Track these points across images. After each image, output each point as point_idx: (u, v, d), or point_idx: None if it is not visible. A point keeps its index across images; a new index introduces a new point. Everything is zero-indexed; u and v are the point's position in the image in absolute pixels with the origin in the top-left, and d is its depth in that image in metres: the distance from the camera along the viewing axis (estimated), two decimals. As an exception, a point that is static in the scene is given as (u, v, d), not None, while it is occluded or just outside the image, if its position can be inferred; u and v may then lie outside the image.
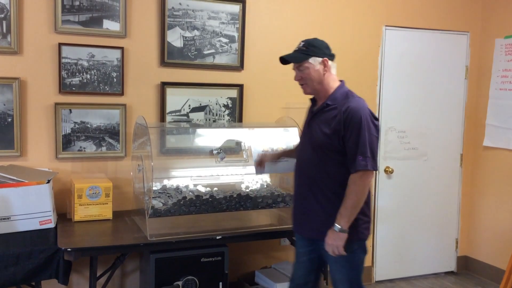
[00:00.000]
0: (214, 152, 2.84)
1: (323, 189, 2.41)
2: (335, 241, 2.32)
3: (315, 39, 2.50)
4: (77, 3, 3.08)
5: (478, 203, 4.44)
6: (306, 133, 2.53)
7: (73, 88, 3.13)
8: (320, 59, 2.43)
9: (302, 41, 2.50)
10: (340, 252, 2.32)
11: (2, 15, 2.94)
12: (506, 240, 4.15)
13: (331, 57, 2.48)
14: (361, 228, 2.40)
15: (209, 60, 3.45)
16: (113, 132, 3.24)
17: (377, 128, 2.37)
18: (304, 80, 2.48)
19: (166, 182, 3.07)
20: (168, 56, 3.33)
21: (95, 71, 3.16)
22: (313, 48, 2.44)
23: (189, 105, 3.42)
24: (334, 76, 2.49)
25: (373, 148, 2.30)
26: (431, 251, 4.41)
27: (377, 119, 2.41)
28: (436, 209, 4.37)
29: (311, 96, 2.61)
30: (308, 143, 2.48)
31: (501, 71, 4.18)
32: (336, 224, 2.32)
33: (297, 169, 2.56)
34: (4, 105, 2.98)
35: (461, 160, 4.44)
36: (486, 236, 4.37)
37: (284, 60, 2.52)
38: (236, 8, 3.47)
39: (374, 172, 2.31)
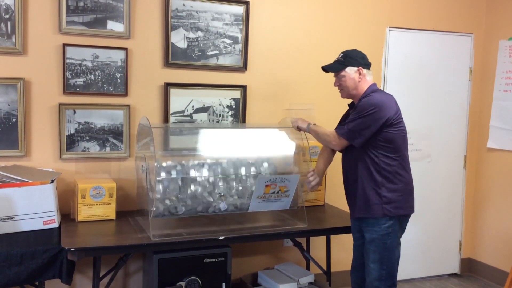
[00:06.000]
0: (217, 194, 2.96)
1: (361, 177, 2.74)
2: (300, 122, 3.00)
3: (353, 50, 2.82)
4: (81, 4, 3.09)
5: (482, 205, 4.43)
6: None
7: (77, 89, 3.14)
8: (356, 68, 2.76)
9: (342, 52, 2.83)
10: (294, 123, 3.04)
11: (7, 16, 2.95)
12: (510, 242, 4.13)
13: (366, 66, 2.80)
14: (388, 206, 2.68)
15: (212, 61, 3.45)
16: (116, 133, 3.24)
17: (375, 118, 2.63)
18: (341, 87, 2.83)
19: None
20: (172, 57, 3.34)
21: (99, 71, 3.17)
22: (349, 59, 2.78)
23: (193, 106, 3.43)
24: (368, 81, 2.80)
25: (362, 130, 2.65)
26: (434, 253, 4.40)
27: (389, 112, 2.66)
28: (439, 210, 4.37)
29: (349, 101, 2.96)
30: None
31: (505, 72, 4.17)
32: (312, 125, 2.94)
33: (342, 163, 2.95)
34: (9, 105, 2.99)
35: (465, 161, 4.44)
36: (490, 238, 4.36)
37: (324, 68, 2.88)
38: (239, 9, 3.48)
39: (346, 142, 2.74)
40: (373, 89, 2.75)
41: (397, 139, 2.68)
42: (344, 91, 2.83)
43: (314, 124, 2.96)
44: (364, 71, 2.77)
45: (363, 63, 2.79)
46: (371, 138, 2.67)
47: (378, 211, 2.69)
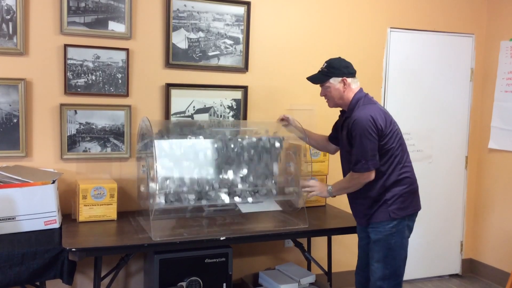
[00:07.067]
0: None
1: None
2: (320, 190, 2.87)
3: (336, 60, 2.80)
4: (82, 4, 3.10)
5: (483, 205, 4.42)
6: (340, 138, 2.89)
7: (79, 89, 3.14)
8: (340, 78, 2.75)
9: (325, 62, 2.81)
10: (312, 193, 2.89)
11: (8, 17, 2.96)
12: (511, 243, 4.13)
13: (351, 74, 2.77)
14: (392, 208, 2.68)
15: (213, 62, 3.46)
16: (118, 133, 3.25)
17: (376, 132, 2.61)
18: (327, 97, 2.83)
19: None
20: (173, 57, 3.34)
21: (100, 72, 3.18)
22: (332, 70, 2.76)
23: (194, 107, 3.43)
24: (354, 89, 2.77)
25: (373, 151, 2.61)
26: (436, 254, 4.39)
27: (381, 123, 2.63)
28: (441, 211, 4.36)
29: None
30: (342, 147, 2.87)
31: (506, 73, 4.17)
32: (331, 187, 2.82)
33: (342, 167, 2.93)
34: (10, 106, 3.00)
35: (466, 162, 4.43)
36: (491, 238, 4.35)
37: (308, 79, 2.86)
38: (241, 9, 3.48)
39: (372, 172, 2.67)
40: (358, 98, 2.73)
41: (392, 146, 2.67)
42: (331, 101, 2.83)
43: (334, 186, 2.82)
44: (349, 80, 2.75)
45: (347, 72, 2.76)
46: None
47: (384, 216, 2.69)
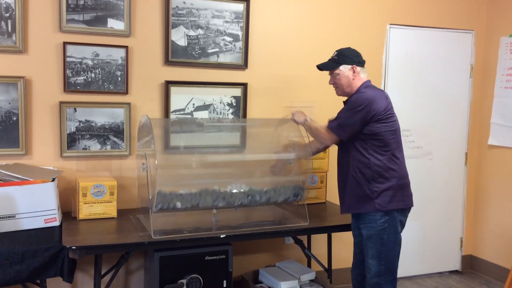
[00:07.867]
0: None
1: (352, 172, 2.78)
2: (298, 115, 2.95)
3: (346, 49, 2.86)
4: (81, 2, 3.09)
5: (483, 201, 4.42)
6: None
7: (78, 87, 3.14)
8: (350, 66, 2.80)
9: (336, 51, 2.87)
10: (292, 116, 2.99)
11: (7, 14, 2.95)
12: (511, 239, 4.13)
13: (360, 64, 2.83)
14: (379, 200, 2.69)
15: (213, 59, 3.45)
16: (117, 131, 3.25)
17: (366, 113, 2.67)
18: (336, 84, 2.87)
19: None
20: (172, 55, 3.34)
21: (99, 70, 3.17)
22: (343, 57, 2.81)
23: (193, 104, 3.43)
24: (363, 78, 2.83)
25: (352, 125, 2.69)
26: (435, 250, 4.40)
27: (379, 107, 2.69)
28: (440, 207, 4.37)
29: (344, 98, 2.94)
30: (341, 143, 2.87)
31: (506, 69, 4.16)
32: (309, 120, 2.89)
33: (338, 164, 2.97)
34: (9, 104, 2.99)
35: (466, 158, 4.43)
36: (491, 235, 4.36)
37: (318, 67, 2.91)
38: (240, 6, 3.47)
39: (335, 137, 2.77)
40: (366, 86, 2.79)
41: (386, 134, 2.70)
42: (339, 89, 2.87)
43: (311, 120, 2.94)
44: (358, 68, 2.80)
45: (357, 61, 2.81)
46: (359, 133, 2.70)
47: (369, 207, 2.70)
